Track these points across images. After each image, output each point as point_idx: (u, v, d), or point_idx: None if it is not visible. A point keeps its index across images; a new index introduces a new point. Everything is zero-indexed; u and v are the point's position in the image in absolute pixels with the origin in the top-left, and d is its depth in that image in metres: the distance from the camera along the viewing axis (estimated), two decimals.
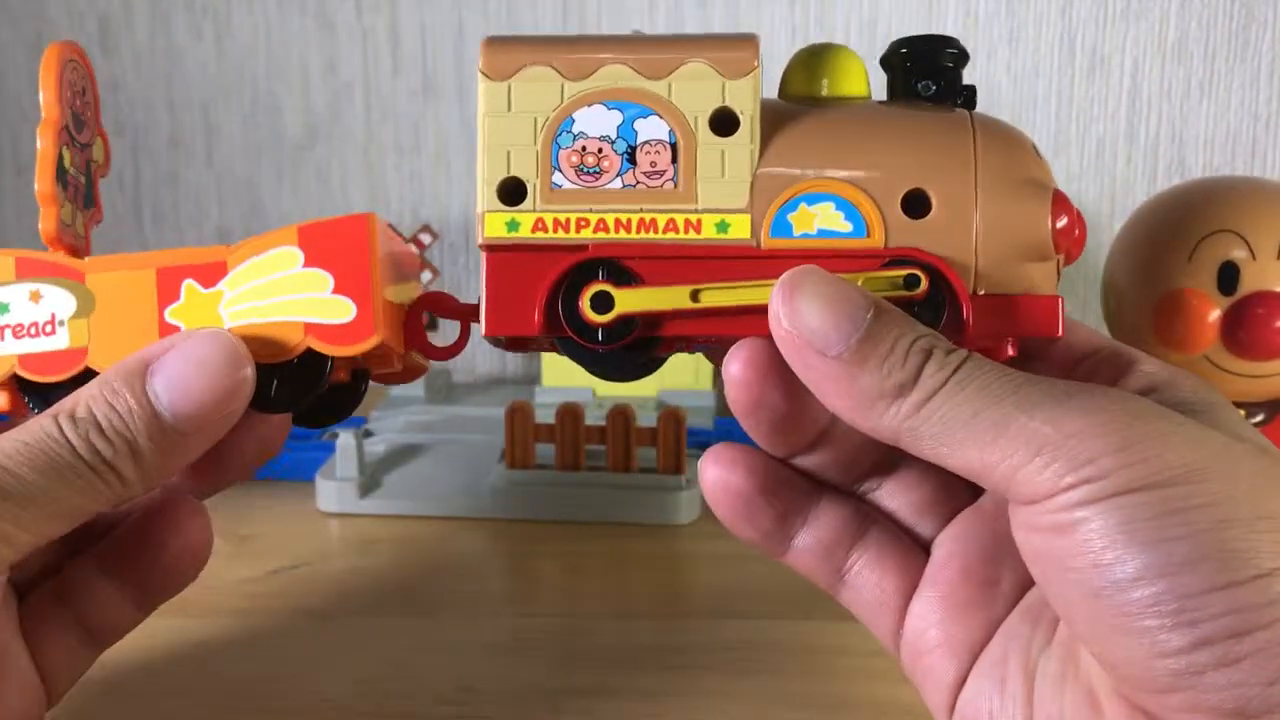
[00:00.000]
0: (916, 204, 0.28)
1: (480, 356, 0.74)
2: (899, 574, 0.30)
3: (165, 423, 0.27)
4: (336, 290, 0.29)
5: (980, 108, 0.29)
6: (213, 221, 0.71)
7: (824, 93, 0.30)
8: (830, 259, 0.28)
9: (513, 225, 0.28)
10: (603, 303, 0.28)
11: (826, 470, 0.31)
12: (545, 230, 0.28)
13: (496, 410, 0.61)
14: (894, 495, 0.31)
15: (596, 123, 0.28)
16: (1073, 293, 0.59)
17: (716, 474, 0.30)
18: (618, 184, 0.28)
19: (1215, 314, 0.42)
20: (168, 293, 0.30)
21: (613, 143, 0.28)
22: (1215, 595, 0.22)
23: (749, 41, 0.28)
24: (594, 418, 0.54)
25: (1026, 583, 0.29)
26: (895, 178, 0.28)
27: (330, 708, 0.37)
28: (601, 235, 0.28)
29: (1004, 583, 0.29)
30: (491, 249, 0.28)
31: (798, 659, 0.40)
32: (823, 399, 0.26)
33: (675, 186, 0.28)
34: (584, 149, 0.28)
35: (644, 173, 0.28)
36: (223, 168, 0.70)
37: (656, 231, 0.28)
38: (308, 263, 0.30)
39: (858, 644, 0.41)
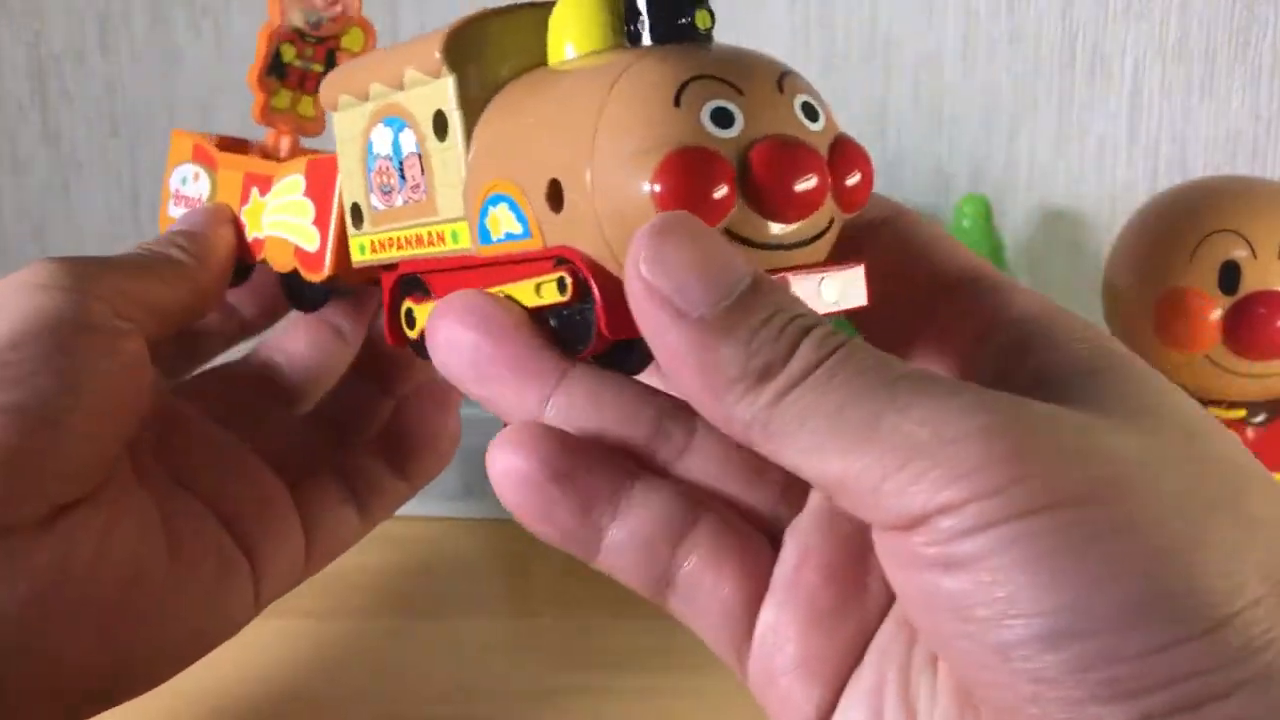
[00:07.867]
0: (555, 196, 0.23)
1: None
2: (742, 574, 0.23)
3: (193, 218, 0.34)
4: (314, 221, 0.31)
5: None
6: None
7: (548, 59, 0.25)
8: (523, 264, 0.24)
9: (362, 249, 0.28)
10: (411, 319, 0.28)
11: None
12: (376, 251, 0.28)
13: None
14: (727, 472, 0.24)
15: (381, 141, 0.27)
16: (1074, 293, 0.59)
17: (504, 461, 0.23)
18: (400, 201, 0.27)
19: (1216, 313, 0.42)
20: (246, 194, 0.34)
21: (391, 160, 0.27)
22: (1159, 657, 0.17)
23: (437, 35, 0.24)
24: None
25: None
26: (537, 169, 0.23)
27: (330, 708, 0.37)
28: (399, 253, 0.27)
29: (874, 582, 0.23)
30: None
31: None
32: (669, 372, 0.21)
33: (426, 199, 0.26)
34: (381, 169, 0.27)
35: (411, 187, 0.26)
36: None
37: (421, 245, 0.26)
38: (305, 191, 0.31)
39: None
